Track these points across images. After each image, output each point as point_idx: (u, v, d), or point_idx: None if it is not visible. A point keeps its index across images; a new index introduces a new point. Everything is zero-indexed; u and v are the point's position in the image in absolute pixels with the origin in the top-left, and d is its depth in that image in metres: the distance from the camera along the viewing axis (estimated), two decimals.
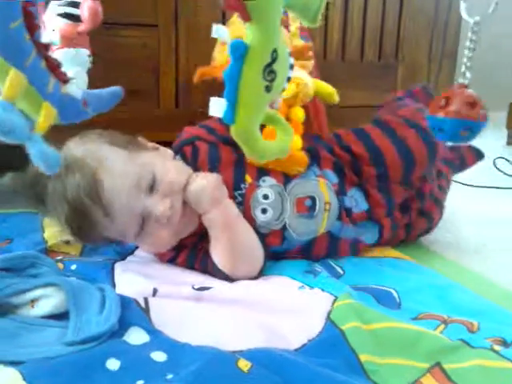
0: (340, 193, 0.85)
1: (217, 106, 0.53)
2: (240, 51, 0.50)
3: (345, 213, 0.84)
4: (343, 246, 0.85)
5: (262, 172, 0.82)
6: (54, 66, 0.54)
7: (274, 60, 0.52)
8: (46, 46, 0.51)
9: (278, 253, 0.82)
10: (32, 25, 0.49)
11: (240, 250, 0.75)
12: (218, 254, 0.75)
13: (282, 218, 0.80)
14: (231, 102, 0.52)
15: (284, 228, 0.81)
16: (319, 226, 0.82)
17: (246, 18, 0.49)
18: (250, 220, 0.79)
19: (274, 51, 0.52)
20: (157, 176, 0.74)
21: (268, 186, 0.81)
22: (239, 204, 0.80)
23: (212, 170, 0.81)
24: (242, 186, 0.81)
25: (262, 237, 0.80)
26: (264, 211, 0.80)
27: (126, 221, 0.73)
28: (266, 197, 0.80)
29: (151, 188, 0.74)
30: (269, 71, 0.52)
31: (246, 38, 0.50)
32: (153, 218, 0.73)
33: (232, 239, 0.75)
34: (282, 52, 0.53)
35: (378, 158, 0.86)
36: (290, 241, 0.82)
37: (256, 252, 0.77)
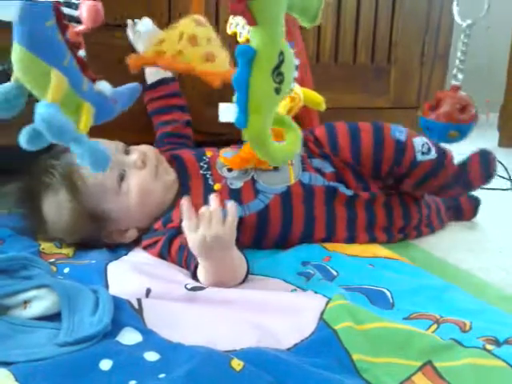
0: (309, 157, 0.93)
1: (227, 112, 0.53)
2: (248, 56, 0.50)
3: (313, 168, 0.92)
4: (319, 193, 0.90)
5: (220, 148, 0.94)
6: (84, 65, 0.54)
7: (281, 62, 0.53)
8: (77, 45, 0.52)
9: (263, 212, 0.87)
10: (62, 24, 0.50)
11: (225, 274, 0.74)
12: (202, 274, 0.74)
13: (249, 172, 0.89)
14: (243, 106, 0.52)
15: (254, 181, 0.89)
16: (289, 177, 0.89)
17: (252, 22, 0.50)
18: (221, 178, 0.89)
19: (281, 53, 0.52)
20: (131, 147, 0.88)
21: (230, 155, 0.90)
22: (206, 170, 0.90)
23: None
24: (204, 157, 0.93)
25: (237, 194, 0.86)
26: (230, 170, 0.89)
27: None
28: (230, 169, 0.89)
29: (126, 152, 0.87)
30: (277, 73, 0.52)
31: (252, 42, 0.51)
32: (130, 166, 0.84)
33: (218, 266, 0.73)
34: (288, 53, 0.54)
35: (332, 139, 0.93)
36: (264, 193, 0.87)
37: (240, 270, 0.76)
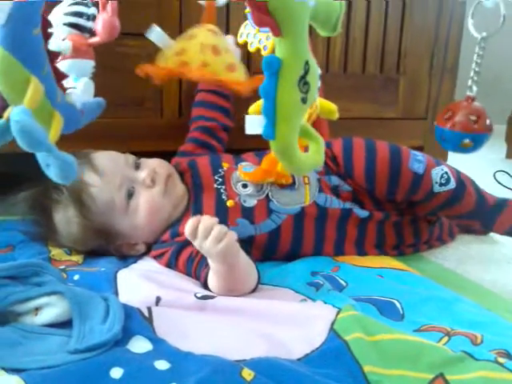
0: (326, 173, 0.90)
1: (254, 124, 0.53)
2: (275, 67, 0.51)
3: (330, 187, 0.90)
4: (333, 216, 0.88)
5: (237, 159, 0.92)
6: (60, 75, 0.54)
7: (306, 71, 0.53)
8: (56, 55, 0.52)
9: (274, 232, 0.86)
10: (46, 33, 0.50)
11: (236, 282, 0.73)
12: (213, 281, 0.74)
13: (264, 190, 0.87)
14: (270, 117, 0.52)
15: (268, 199, 0.86)
16: (304, 197, 0.87)
17: (277, 33, 0.50)
18: (234, 195, 0.86)
19: (306, 63, 0.53)
20: (141, 160, 0.87)
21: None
22: (221, 184, 0.87)
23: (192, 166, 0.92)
24: (220, 170, 0.90)
25: (249, 212, 0.84)
26: (245, 186, 0.87)
27: (114, 182, 0.82)
28: (244, 186, 0.87)
29: (137, 167, 0.86)
30: (303, 83, 0.53)
31: (278, 53, 0.51)
32: (139, 183, 0.84)
33: (229, 272, 0.72)
34: (312, 63, 0.54)
35: (347, 162, 0.90)
36: (277, 213, 0.85)
37: (251, 279, 0.76)
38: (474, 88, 0.59)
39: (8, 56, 0.47)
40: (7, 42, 0.47)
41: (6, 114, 0.52)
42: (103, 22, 0.56)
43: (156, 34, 0.69)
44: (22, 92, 0.48)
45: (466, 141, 0.58)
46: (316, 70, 0.55)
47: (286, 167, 0.57)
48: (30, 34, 0.48)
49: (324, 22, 0.56)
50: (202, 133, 1.03)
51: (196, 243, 0.70)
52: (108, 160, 0.85)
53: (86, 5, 0.57)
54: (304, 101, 0.53)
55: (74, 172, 0.50)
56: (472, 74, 0.59)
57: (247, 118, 0.53)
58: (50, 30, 0.52)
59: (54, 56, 0.54)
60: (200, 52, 0.62)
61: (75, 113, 0.57)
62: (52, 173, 0.49)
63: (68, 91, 0.57)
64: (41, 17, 0.49)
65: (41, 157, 0.49)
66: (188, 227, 0.69)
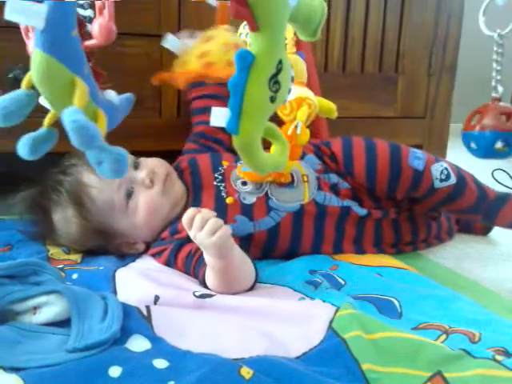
0: (325, 172, 0.91)
1: (220, 116, 0.52)
2: (247, 61, 0.50)
3: (329, 185, 0.90)
4: (332, 214, 0.89)
5: (238, 158, 0.89)
6: (97, 74, 0.55)
7: (279, 71, 0.52)
8: (91, 54, 0.53)
9: (273, 229, 0.86)
10: (82, 33, 0.50)
11: (232, 278, 0.73)
12: (210, 278, 0.74)
13: (263, 187, 0.88)
14: (236, 111, 0.51)
15: (267, 197, 0.87)
16: (303, 195, 0.88)
17: (254, 27, 0.49)
18: (234, 192, 0.87)
19: (280, 62, 0.52)
20: (140, 160, 0.87)
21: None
22: (220, 181, 0.88)
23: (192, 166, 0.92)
24: (220, 168, 0.91)
25: (249, 209, 0.85)
26: (244, 183, 0.88)
27: (114, 183, 0.82)
28: (244, 183, 0.88)
29: (136, 166, 0.86)
30: (274, 82, 0.52)
31: (252, 48, 0.51)
32: (138, 183, 0.84)
33: (225, 268, 0.72)
34: (286, 63, 0.54)
35: (347, 160, 0.91)
36: (276, 210, 0.86)
37: (247, 276, 0.76)
38: (500, 88, 0.58)
39: (50, 59, 0.48)
40: (48, 46, 0.48)
41: (46, 123, 0.54)
42: (100, 26, 0.56)
43: (171, 41, 0.70)
44: (67, 93, 0.49)
45: (500, 143, 0.57)
46: (289, 71, 0.54)
47: (247, 164, 0.56)
48: (69, 36, 0.49)
49: (304, 25, 0.56)
50: (200, 138, 1.03)
51: (191, 233, 0.70)
52: None
53: (82, 6, 0.57)
54: (272, 100, 0.53)
55: (126, 166, 0.51)
56: (494, 73, 0.58)
57: (213, 109, 0.52)
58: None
59: (89, 55, 0.54)
60: (224, 52, 0.62)
61: (114, 110, 0.57)
62: (105, 169, 0.50)
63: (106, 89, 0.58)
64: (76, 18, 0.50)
65: (92, 155, 0.50)
66: (185, 217, 0.70)
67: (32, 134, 0.52)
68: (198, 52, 0.65)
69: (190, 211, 0.70)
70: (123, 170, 0.51)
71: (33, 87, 0.51)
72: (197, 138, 1.03)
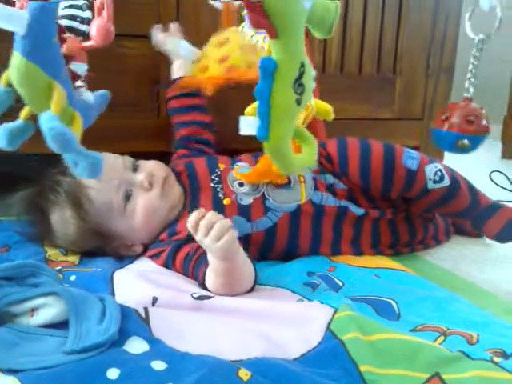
0: (321, 172, 0.91)
1: (249, 125, 0.53)
2: (270, 69, 0.51)
3: (325, 185, 0.91)
4: (329, 214, 0.89)
5: (234, 160, 0.93)
6: (74, 76, 0.56)
7: (302, 73, 0.53)
8: (71, 57, 0.54)
9: (270, 229, 0.87)
10: (61, 38, 0.52)
11: (234, 281, 0.73)
12: (211, 279, 0.74)
13: (260, 188, 0.88)
14: (265, 119, 0.52)
15: (264, 197, 0.87)
16: (300, 195, 0.89)
17: (273, 35, 0.50)
18: (231, 193, 0.87)
19: (302, 65, 0.53)
20: (139, 162, 0.88)
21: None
22: (217, 183, 0.88)
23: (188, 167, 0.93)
24: (217, 170, 0.91)
25: (246, 210, 0.85)
26: (241, 184, 0.88)
27: (112, 184, 0.82)
28: (241, 184, 0.88)
29: (134, 169, 0.86)
30: (298, 84, 0.53)
31: (274, 55, 0.51)
32: (137, 186, 0.84)
33: (228, 271, 0.72)
34: (307, 65, 0.55)
35: (342, 161, 0.91)
36: (273, 211, 0.86)
37: (248, 278, 0.76)
38: (471, 89, 0.60)
39: (30, 64, 0.50)
40: (27, 51, 0.49)
41: (22, 115, 0.55)
42: (98, 27, 0.56)
43: (184, 48, 0.70)
44: (45, 97, 0.51)
45: (464, 141, 0.59)
46: (311, 72, 0.56)
47: (278, 167, 0.57)
48: (49, 43, 0.50)
49: (319, 24, 0.56)
50: (188, 142, 1.03)
51: (197, 237, 0.70)
52: (106, 162, 0.85)
53: (80, 8, 0.57)
54: (298, 102, 0.54)
55: (101, 168, 0.52)
56: (469, 75, 0.60)
57: (241, 119, 0.53)
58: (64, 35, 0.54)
59: (68, 58, 0.55)
60: (243, 54, 0.63)
61: (89, 109, 0.58)
62: (80, 170, 0.51)
63: (80, 89, 0.59)
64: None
65: (69, 158, 0.51)
66: (190, 221, 0.70)
67: (9, 125, 0.54)
68: (218, 56, 0.66)
69: (195, 216, 0.70)
70: (98, 171, 0.52)
71: (10, 85, 0.52)
72: (185, 143, 1.03)
